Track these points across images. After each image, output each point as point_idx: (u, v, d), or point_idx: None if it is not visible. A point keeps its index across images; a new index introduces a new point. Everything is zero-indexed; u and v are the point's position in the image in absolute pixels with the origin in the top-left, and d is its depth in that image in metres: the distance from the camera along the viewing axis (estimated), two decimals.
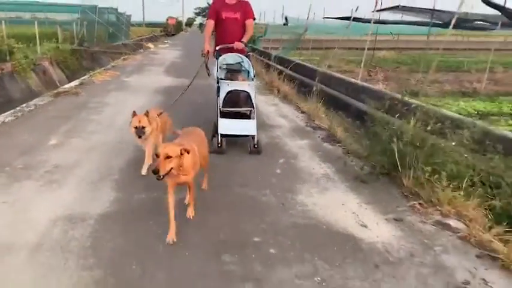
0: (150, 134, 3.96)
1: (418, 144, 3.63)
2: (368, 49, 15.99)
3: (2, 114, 6.38)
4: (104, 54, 16.22)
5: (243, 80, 4.95)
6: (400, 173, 3.78)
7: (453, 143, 3.52)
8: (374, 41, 19.36)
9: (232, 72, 5.05)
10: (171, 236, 2.83)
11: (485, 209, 3.17)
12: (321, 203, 3.53)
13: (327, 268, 2.59)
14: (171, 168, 2.65)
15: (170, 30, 46.28)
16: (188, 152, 2.75)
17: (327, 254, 2.74)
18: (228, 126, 4.70)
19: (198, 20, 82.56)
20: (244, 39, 5.08)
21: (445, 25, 14.05)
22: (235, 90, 4.72)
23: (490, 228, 2.98)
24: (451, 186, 3.34)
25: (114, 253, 2.68)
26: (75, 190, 3.67)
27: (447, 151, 3.58)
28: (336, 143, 5.33)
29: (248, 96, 4.76)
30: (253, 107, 4.86)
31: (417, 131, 3.75)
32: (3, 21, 10.34)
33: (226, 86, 4.72)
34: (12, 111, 6.72)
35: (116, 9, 22.30)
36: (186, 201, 3.31)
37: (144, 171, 4.04)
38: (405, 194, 3.66)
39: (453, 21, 6.83)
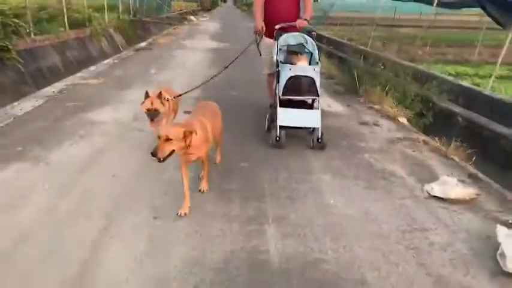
0: (164, 117, 3.81)
1: (366, 72, 6.53)
2: (390, 26, 18.46)
3: (110, 58, 9.71)
4: (153, 24, 18.98)
5: (303, 58, 4.33)
6: (358, 88, 6.68)
7: (381, 68, 6.37)
8: (393, 18, 22.06)
9: (292, 54, 4.44)
10: (184, 210, 2.89)
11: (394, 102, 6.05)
12: None
13: None
14: (173, 150, 2.57)
15: (207, 5, 48.56)
16: (195, 133, 2.68)
17: None
18: (288, 117, 4.23)
19: None
20: (307, 17, 4.53)
21: (450, 5, 16.32)
22: (297, 75, 4.18)
23: (394, 108, 5.86)
24: (380, 91, 6.24)
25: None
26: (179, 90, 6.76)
27: (383, 76, 6.43)
28: (330, 79, 8.24)
29: (312, 82, 4.21)
30: (318, 95, 4.34)
31: (367, 65, 6.63)
32: None
33: (288, 71, 4.17)
34: (111, 58, 9.98)
35: None
36: (200, 176, 3.35)
37: None
38: (358, 98, 6.58)
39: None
